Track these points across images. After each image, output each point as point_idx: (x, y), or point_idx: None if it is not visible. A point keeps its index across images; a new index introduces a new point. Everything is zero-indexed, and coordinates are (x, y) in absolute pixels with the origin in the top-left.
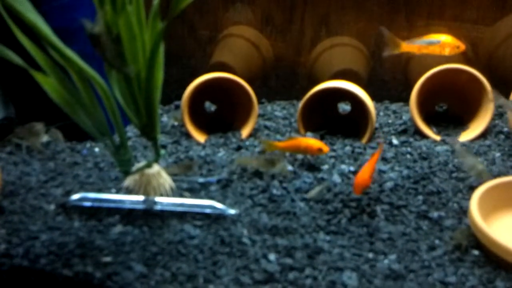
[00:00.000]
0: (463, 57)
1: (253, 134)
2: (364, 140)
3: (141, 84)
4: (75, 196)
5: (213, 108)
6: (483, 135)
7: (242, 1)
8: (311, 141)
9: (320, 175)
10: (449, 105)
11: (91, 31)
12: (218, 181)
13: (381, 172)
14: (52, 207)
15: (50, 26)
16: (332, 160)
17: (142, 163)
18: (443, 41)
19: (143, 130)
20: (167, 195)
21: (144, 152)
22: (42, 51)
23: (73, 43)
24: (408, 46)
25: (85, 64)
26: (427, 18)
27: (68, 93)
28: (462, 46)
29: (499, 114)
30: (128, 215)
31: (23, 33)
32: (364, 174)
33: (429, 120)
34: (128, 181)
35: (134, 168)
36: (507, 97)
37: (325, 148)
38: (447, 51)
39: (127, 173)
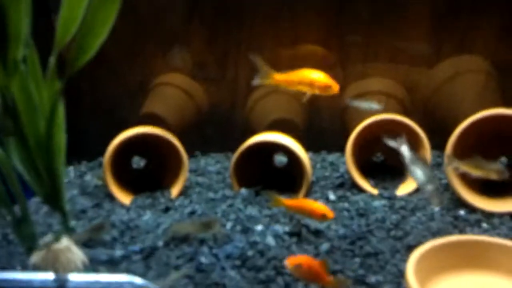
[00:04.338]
0: (399, 104)
1: (183, 192)
2: (300, 196)
3: (41, 149)
4: None
5: (142, 163)
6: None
7: (174, 47)
8: (316, 205)
9: (253, 238)
10: (386, 155)
11: None
12: (141, 250)
13: (317, 231)
14: None
15: None
16: (267, 220)
17: (49, 236)
18: (314, 79)
19: (47, 199)
20: (80, 272)
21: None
22: None
23: None
24: (279, 79)
25: None
26: (363, 61)
27: None
28: (335, 87)
29: (436, 165)
30: None
31: None
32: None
33: (366, 171)
34: (35, 258)
35: (41, 243)
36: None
37: (330, 214)
38: (317, 90)
39: (31, 249)
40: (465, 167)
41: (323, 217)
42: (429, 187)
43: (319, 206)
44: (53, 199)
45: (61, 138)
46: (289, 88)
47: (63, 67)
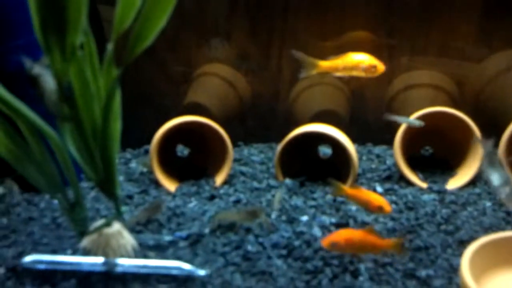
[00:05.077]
0: (448, 97)
1: (228, 181)
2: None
3: (97, 135)
4: (28, 258)
5: (186, 151)
6: (473, 182)
7: (217, 37)
8: (373, 197)
9: (299, 229)
10: (435, 148)
11: (29, 71)
12: (188, 237)
13: (365, 223)
14: (1, 270)
15: (7, 69)
16: (312, 210)
17: (100, 221)
18: (359, 61)
19: (101, 185)
20: (129, 256)
21: (109, 204)
22: None
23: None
24: (325, 66)
25: (35, 114)
26: (410, 54)
27: (15, 145)
28: (381, 67)
29: None
30: (85, 278)
31: None
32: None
33: (414, 164)
34: (86, 242)
35: (92, 227)
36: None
37: (387, 208)
38: (364, 73)
39: (83, 233)
40: None
41: (378, 210)
42: (506, 189)
43: (376, 197)
44: (107, 185)
45: (116, 126)
46: (335, 74)
47: (119, 55)
